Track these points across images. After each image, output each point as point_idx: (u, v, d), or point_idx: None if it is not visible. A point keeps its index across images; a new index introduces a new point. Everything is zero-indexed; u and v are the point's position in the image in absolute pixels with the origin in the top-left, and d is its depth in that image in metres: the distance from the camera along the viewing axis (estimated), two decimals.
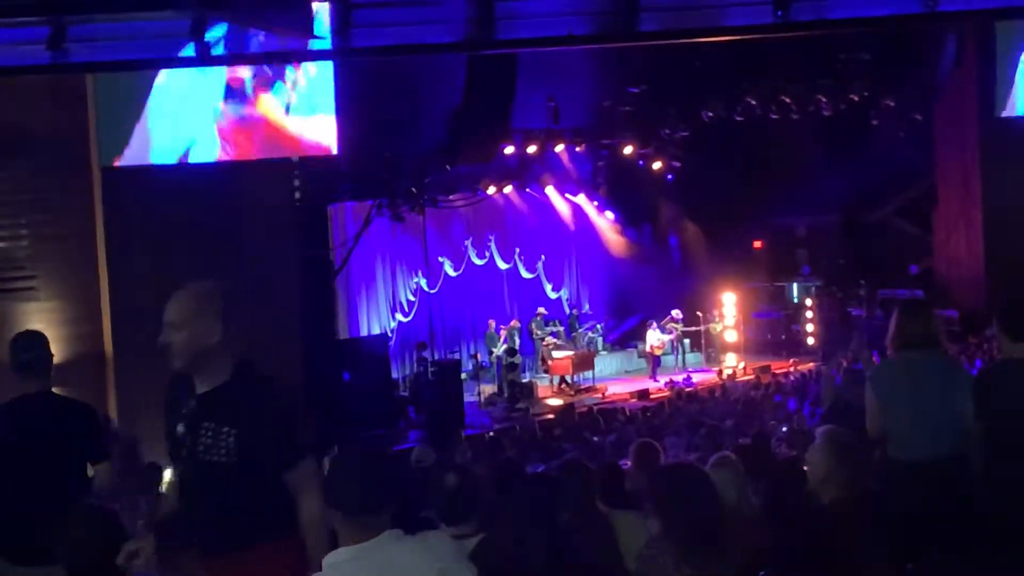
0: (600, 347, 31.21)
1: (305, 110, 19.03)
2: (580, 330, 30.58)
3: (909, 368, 7.10)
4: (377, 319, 27.74)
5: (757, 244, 33.53)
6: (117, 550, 5.57)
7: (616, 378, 29.88)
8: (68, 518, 6.01)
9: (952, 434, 6.90)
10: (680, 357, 30.56)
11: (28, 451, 6.83)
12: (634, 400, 26.39)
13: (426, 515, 6.83)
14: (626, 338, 32.86)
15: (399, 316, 28.46)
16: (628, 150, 29.46)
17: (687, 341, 31.31)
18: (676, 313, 30.21)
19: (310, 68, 18.76)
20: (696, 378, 28.50)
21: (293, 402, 5.90)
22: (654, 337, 29.66)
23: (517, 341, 28.40)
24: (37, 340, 7.23)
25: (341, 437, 20.13)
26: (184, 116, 18.66)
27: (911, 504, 6.70)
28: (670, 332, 30.07)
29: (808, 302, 31.68)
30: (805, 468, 6.97)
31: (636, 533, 6.09)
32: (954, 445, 6.89)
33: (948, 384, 7.00)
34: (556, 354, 28.41)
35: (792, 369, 27.78)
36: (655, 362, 29.62)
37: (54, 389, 7.24)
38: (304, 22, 9.52)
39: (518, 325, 29.17)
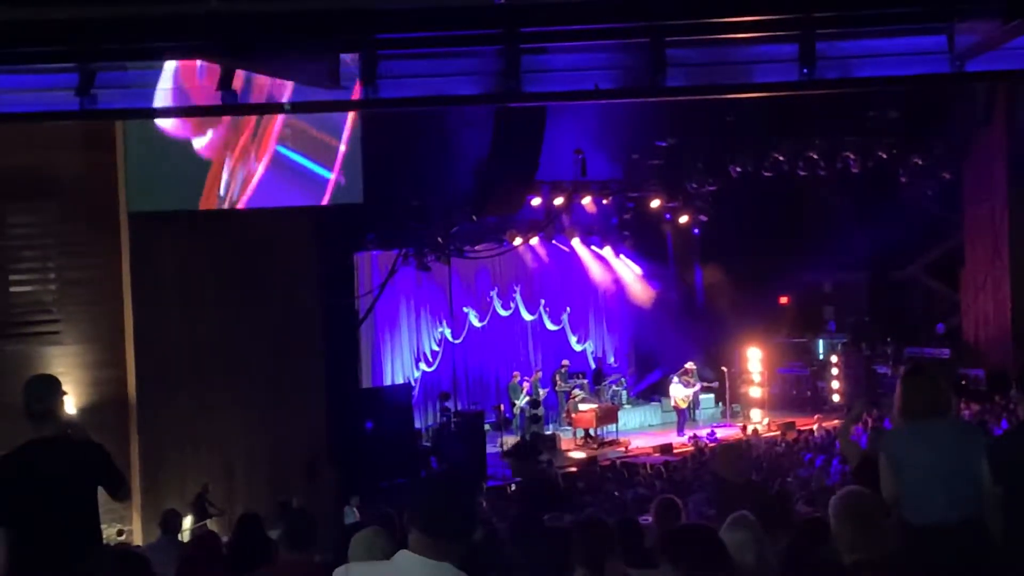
0: (624, 400, 31.07)
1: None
2: (605, 383, 30.46)
3: (920, 434, 7.03)
4: (401, 368, 27.73)
5: (783, 299, 33.38)
6: None
7: (640, 432, 29.73)
8: (97, 561, 6.03)
9: (965, 499, 6.81)
10: (692, 411, 30.30)
11: (45, 493, 6.86)
12: (657, 454, 26.28)
13: None
14: (650, 392, 32.72)
15: (423, 366, 28.43)
16: (655, 203, 29.48)
17: (711, 395, 31.15)
18: (690, 365, 30.02)
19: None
20: (720, 433, 28.33)
21: None
22: (678, 391, 29.52)
23: (541, 393, 28.34)
24: (48, 387, 7.21)
25: (363, 485, 20.23)
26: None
27: (925, 569, 6.64)
28: (692, 385, 29.91)
29: (834, 359, 31.51)
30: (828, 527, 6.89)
31: None
32: (968, 510, 6.80)
33: (961, 448, 6.92)
34: (580, 407, 28.32)
35: (817, 426, 27.60)
36: (682, 416, 29.46)
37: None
38: (331, 73, 9.56)
39: (540, 375, 29.12)
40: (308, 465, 20.21)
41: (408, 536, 4.60)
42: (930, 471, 6.88)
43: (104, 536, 8.19)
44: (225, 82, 9.67)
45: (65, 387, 7.34)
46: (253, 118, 18.79)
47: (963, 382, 26.67)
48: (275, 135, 19.29)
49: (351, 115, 19.94)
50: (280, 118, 19.15)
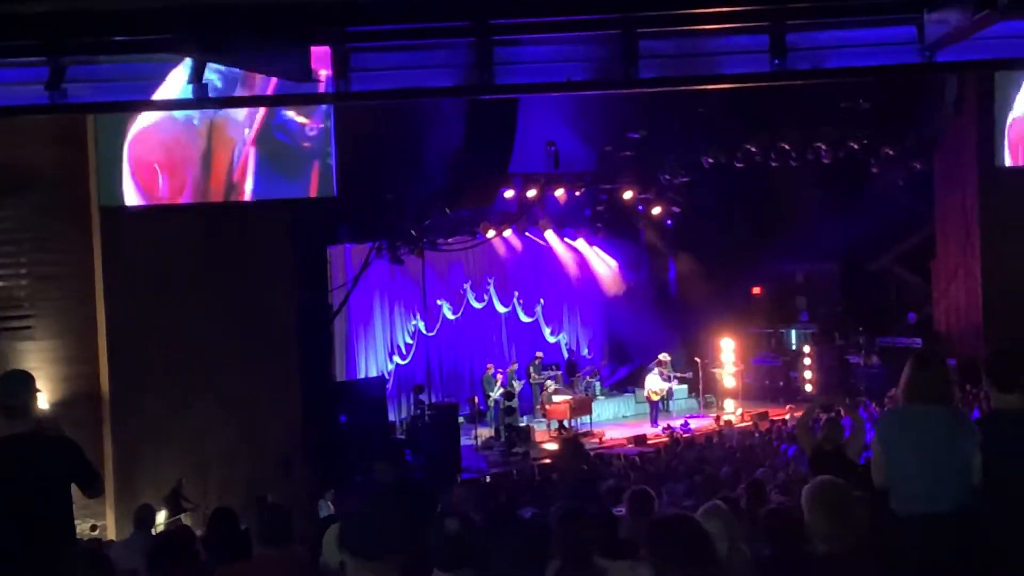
0: (598, 392, 31.15)
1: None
2: (578, 375, 30.52)
3: (917, 421, 6.99)
4: (375, 361, 27.71)
5: (756, 290, 33.54)
6: None
7: (613, 423, 29.81)
8: (60, 559, 6.03)
9: (957, 489, 6.81)
10: (666, 402, 30.40)
11: (16, 490, 6.84)
12: (631, 446, 26.33)
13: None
14: (624, 383, 32.81)
15: (397, 359, 28.43)
16: (628, 195, 29.50)
17: (684, 386, 31.25)
18: (664, 356, 30.12)
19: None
20: (694, 424, 28.42)
21: None
22: (654, 382, 29.59)
23: (517, 385, 28.37)
24: (22, 383, 7.20)
25: (337, 479, 20.21)
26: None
27: (911, 558, 6.65)
28: (668, 379, 30.00)
29: (807, 349, 31.65)
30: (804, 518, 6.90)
31: None
32: (959, 500, 6.80)
33: (955, 439, 6.90)
34: (554, 398, 28.38)
35: (789, 416, 27.71)
36: (655, 407, 29.55)
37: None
38: (302, 66, 9.54)
39: (517, 367, 29.16)
40: (283, 459, 20.18)
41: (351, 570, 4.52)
42: (923, 458, 6.87)
43: (78, 532, 8.19)
44: (196, 75, 9.64)
45: (38, 383, 7.33)
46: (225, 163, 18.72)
47: None
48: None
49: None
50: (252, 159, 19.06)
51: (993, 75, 21.84)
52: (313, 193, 19.27)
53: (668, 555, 5.00)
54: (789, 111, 25.83)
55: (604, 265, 32.76)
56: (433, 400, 27.08)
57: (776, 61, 9.59)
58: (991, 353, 7.18)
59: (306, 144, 19.03)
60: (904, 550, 6.74)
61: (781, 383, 31.94)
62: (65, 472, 7.05)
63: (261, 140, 18.74)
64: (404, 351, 28.66)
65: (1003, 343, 7.24)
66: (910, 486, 6.90)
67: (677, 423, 28.31)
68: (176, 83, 10.20)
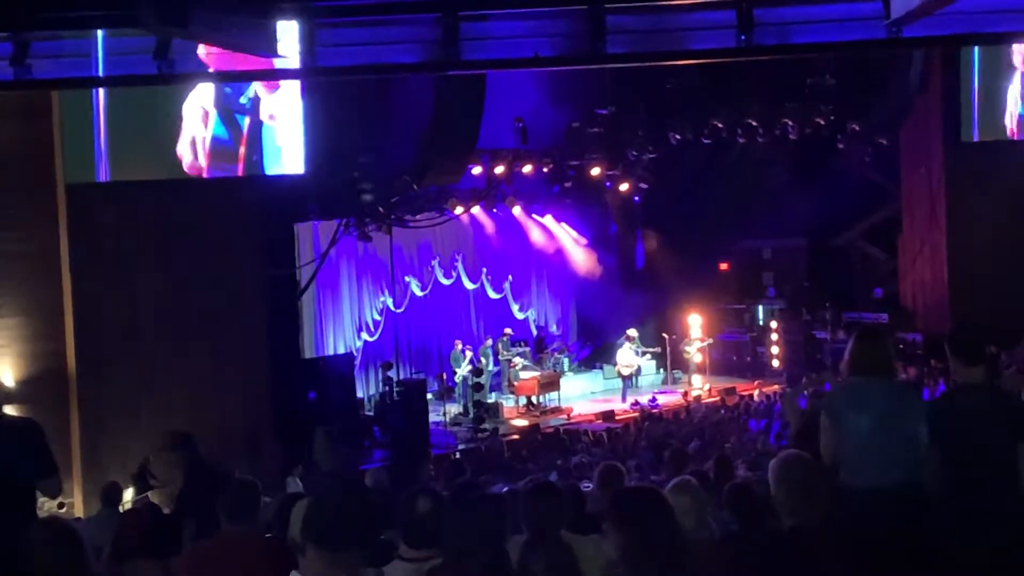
0: (566, 368, 31.18)
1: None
2: (546, 351, 30.55)
3: (862, 394, 7.07)
4: (342, 338, 27.68)
5: (723, 266, 33.61)
6: (77, 564, 5.60)
7: (582, 399, 29.85)
8: (29, 534, 6.01)
9: (904, 461, 6.86)
10: (635, 378, 30.45)
11: None
12: (599, 421, 26.39)
13: (386, 538, 6.80)
14: (592, 359, 32.87)
15: (365, 335, 28.39)
16: (596, 171, 29.48)
17: (653, 362, 31.31)
18: (632, 332, 30.17)
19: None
20: (662, 399, 28.49)
21: None
22: (627, 357, 29.65)
23: (488, 362, 28.38)
24: None
25: (306, 456, 20.17)
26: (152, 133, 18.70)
27: (863, 531, 6.69)
28: (639, 354, 30.06)
29: (773, 324, 31.76)
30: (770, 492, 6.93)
31: (597, 557, 6.06)
32: (906, 472, 6.85)
33: (901, 410, 6.96)
34: (522, 375, 28.40)
35: (757, 391, 27.82)
36: (626, 383, 29.61)
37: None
38: (269, 41, 9.49)
39: (491, 342, 29.18)
40: (251, 436, 20.12)
41: (301, 556, 4.41)
42: (869, 431, 6.91)
43: (46, 509, 8.17)
44: (161, 51, 9.58)
45: (4, 361, 7.31)
46: None
47: (900, 346, 26.93)
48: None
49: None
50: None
51: (959, 50, 21.94)
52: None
53: (630, 526, 4.99)
54: (756, 87, 25.88)
55: (572, 242, 32.76)
56: (401, 377, 27.06)
57: (743, 36, 9.60)
58: (955, 328, 7.24)
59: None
60: (854, 523, 6.77)
61: (748, 358, 32.08)
62: (27, 456, 7.02)
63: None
64: (372, 328, 28.63)
65: (966, 319, 7.33)
66: (860, 459, 6.94)
67: (645, 399, 28.37)
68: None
